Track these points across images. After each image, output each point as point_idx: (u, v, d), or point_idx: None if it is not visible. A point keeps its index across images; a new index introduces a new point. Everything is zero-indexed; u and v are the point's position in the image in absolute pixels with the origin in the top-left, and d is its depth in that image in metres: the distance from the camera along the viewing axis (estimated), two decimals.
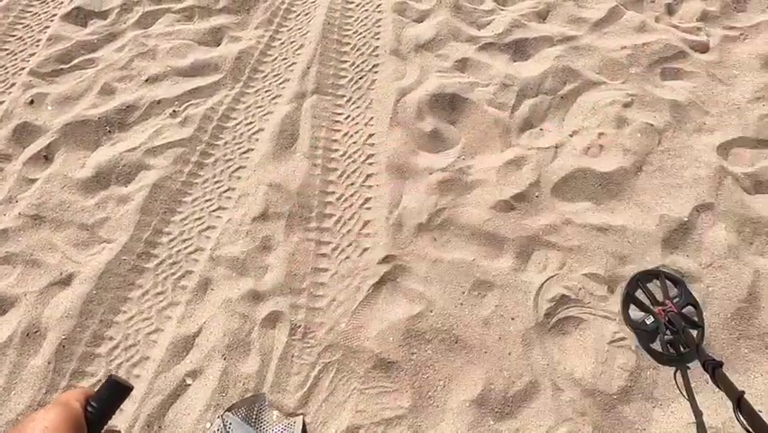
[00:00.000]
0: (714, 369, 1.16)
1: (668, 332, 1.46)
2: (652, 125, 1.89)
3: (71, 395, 0.55)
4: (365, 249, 1.68)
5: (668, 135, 1.88)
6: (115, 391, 0.56)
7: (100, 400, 0.56)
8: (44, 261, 1.67)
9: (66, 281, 1.63)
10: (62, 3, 2.42)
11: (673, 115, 1.92)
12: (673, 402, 1.41)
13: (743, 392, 1.05)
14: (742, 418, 1.02)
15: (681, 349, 1.45)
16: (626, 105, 1.95)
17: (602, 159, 1.83)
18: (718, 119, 1.93)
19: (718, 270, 1.59)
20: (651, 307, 1.52)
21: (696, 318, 1.51)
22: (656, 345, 1.48)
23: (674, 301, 1.52)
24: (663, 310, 1.48)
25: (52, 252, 1.69)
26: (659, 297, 1.55)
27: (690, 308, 1.53)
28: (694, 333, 1.48)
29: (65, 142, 1.94)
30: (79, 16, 2.36)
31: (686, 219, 1.67)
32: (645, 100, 1.96)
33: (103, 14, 2.37)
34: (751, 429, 0.99)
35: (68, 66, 2.19)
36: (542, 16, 2.29)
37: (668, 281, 1.57)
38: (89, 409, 0.55)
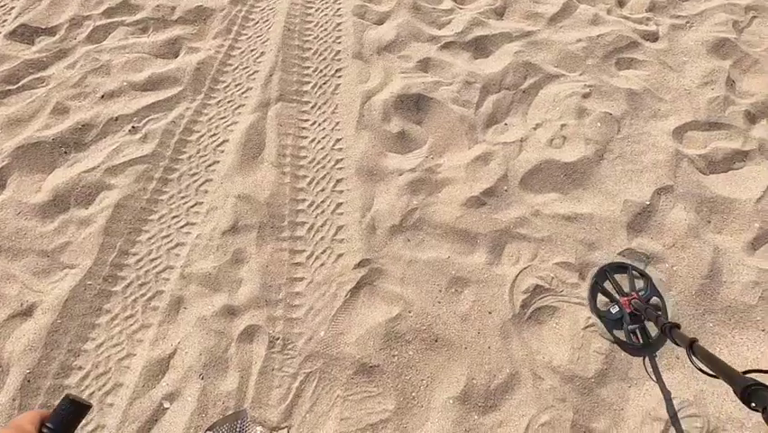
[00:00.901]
0: (671, 329, 1.23)
1: (632, 323, 1.49)
2: (610, 114, 1.95)
3: (25, 418, 0.52)
4: (340, 255, 1.67)
5: (626, 123, 1.95)
6: (72, 410, 0.54)
7: (56, 421, 0.53)
8: (2, 292, 1.59)
9: (27, 312, 1.55)
10: (5, 20, 2.31)
11: (630, 104, 1.99)
12: (647, 381, 1.45)
13: (695, 339, 1.11)
14: (696, 360, 1.07)
15: (648, 339, 1.48)
16: (585, 96, 2.01)
17: (565, 149, 1.87)
18: (672, 105, 2.01)
19: (681, 249, 1.65)
20: (617, 297, 1.56)
21: (660, 311, 1.54)
22: (620, 334, 1.51)
23: (640, 294, 1.56)
24: (629, 300, 1.52)
25: (11, 282, 1.61)
26: (625, 288, 1.59)
27: (655, 300, 1.57)
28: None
29: (17, 167, 1.85)
30: (25, 34, 2.26)
31: (648, 203, 1.74)
32: (603, 90, 2.03)
33: (51, 31, 2.27)
34: (707, 369, 1.04)
35: (17, 86, 2.09)
36: (499, 13, 2.33)
37: (635, 273, 1.61)
38: (45, 431, 0.53)
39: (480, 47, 2.19)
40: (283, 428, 1.38)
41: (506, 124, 1.98)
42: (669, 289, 1.59)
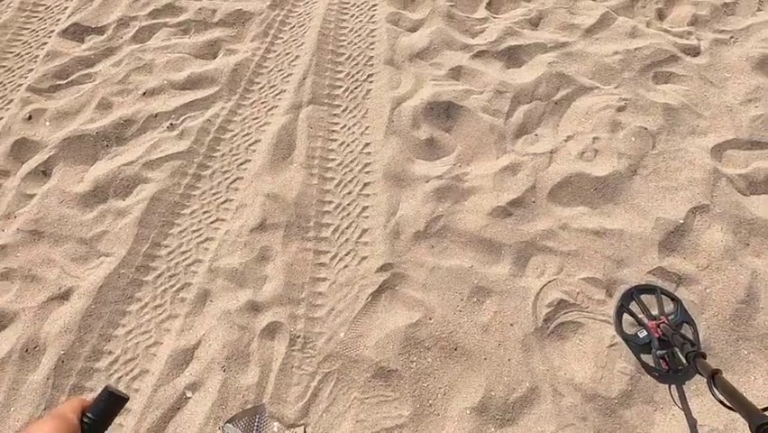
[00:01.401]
0: (695, 358, 1.21)
1: (661, 348, 1.44)
2: (645, 129, 1.90)
3: (67, 407, 0.55)
4: (363, 258, 1.68)
5: (662, 138, 1.90)
6: (111, 402, 0.56)
7: (96, 412, 0.56)
8: (43, 276, 1.67)
9: (65, 296, 1.63)
10: (59, 19, 2.45)
11: (666, 119, 1.94)
12: (674, 406, 1.40)
13: (718, 370, 1.10)
14: (717, 392, 1.06)
15: (678, 366, 1.43)
16: (620, 110, 1.97)
17: (597, 163, 1.84)
18: (711, 121, 1.95)
19: (716, 271, 1.59)
20: (645, 321, 1.51)
21: (691, 336, 1.48)
22: (648, 359, 1.46)
23: (669, 318, 1.51)
24: (657, 324, 1.47)
25: (51, 266, 1.69)
26: (654, 311, 1.54)
27: (685, 326, 1.51)
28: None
29: (63, 157, 1.95)
30: (77, 32, 2.38)
31: (682, 221, 1.68)
32: (639, 104, 1.98)
33: (100, 30, 2.39)
34: (728, 402, 1.03)
35: (66, 81, 2.21)
36: (534, 24, 2.32)
37: (664, 297, 1.56)
38: (85, 420, 0.55)
39: (513, 57, 2.18)
40: (300, 426, 1.40)
41: (536, 135, 1.96)
42: (701, 312, 1.53)
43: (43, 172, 1.93)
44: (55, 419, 0.52)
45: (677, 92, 2.03)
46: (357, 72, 2.19)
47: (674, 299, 1.55)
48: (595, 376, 1.44)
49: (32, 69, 2.26)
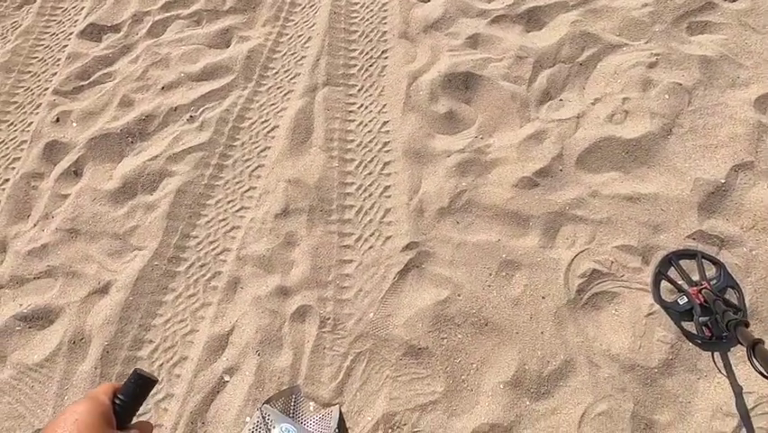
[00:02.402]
0: (736, 326, 1.16)
1: (703, 314, 1.37)
2: (680, 85, 1.78)
3: (100, 389, 0.57)
4: (388, 237, 1.67)
5: (698, 94, 1.77)
6: (141, 384, 0.58)
7: (127, 393, 0.58)
8: (83, 271, 1.75)
9: (104, 290, 1.70)
10: (77, 20, 2.49)
11: (703, 72, 1.81)
12: (719, 373, 1.35)
13: (759, 340, 1.06)
14: (756, 362, 1.05)
15: (722, 333, 1.36)
16: (651, 66, 1.85)
17: (628, 125, 1.74)
18: (754, 71, 1.80)
19: (762, 232, 1.50)
20: (685, 287, 1.44)
21: (736, 302, 1.41)
22: (689, 326, 1.40)
23: (711, 283, 1.43)
24: (698, 290, 1.39)
25: (89, 262, 1.77)
26: (694, 277, 1.46)
27: (729, 290, 1.43)
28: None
29: (91, 157, 2.01)
30: (94, 32, 2.42)
31: (723, 181, 1.58)
32: (672, 58, 1.86)
33: (116, 28, 2.42)
34: (766, 373, 1.02)
35: (88, 82, 2.26)
36: None
37: (705, 261, 1.47)
38: (117, 401, 0.57)
39: (534, 19, 2.07)
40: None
41: (561, 100, 1.87)
42: (746, 276, 1.45)
43: (75, 172, 2.00)
44: (89, 400, 0.54)
45: (714, 42, 1.89)
46: (371, 49, 2.13)
47: (716, 263, 1.47)
48: (633, 346, 1.40)
49: (55, 73, 2.31)
